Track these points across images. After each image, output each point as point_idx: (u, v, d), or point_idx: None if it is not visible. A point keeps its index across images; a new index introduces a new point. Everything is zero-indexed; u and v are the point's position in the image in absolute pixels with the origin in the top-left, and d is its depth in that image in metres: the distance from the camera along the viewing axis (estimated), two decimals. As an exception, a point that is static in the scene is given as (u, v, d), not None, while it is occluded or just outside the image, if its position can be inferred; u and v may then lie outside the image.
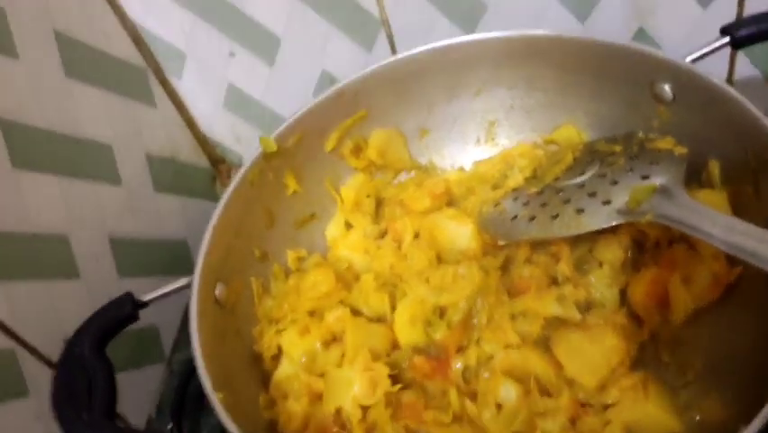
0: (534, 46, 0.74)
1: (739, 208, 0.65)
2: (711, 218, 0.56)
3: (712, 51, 0.67)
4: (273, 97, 0.95)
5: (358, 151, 0.80)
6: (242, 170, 0.71)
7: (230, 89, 0.96)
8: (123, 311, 0.63)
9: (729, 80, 0.84)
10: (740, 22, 0.68)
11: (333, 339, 0.70)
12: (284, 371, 0.68)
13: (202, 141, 1.02)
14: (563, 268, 0.70)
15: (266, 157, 0.73)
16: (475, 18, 0.83)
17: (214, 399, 0.56)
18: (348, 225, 0.80)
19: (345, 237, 0.79)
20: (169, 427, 0.78)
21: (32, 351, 0.67)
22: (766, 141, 0.60)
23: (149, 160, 0.91)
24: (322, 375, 0.67)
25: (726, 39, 0.66)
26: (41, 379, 0.67)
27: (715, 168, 0.67)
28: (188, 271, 0.65)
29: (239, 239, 0.71)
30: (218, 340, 0.64)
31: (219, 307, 0.67)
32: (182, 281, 0.65)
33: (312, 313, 0.71)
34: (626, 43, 0.69)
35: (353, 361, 0.65)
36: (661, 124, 0.70)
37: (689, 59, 0.66)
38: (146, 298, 0.64)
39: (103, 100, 0.84)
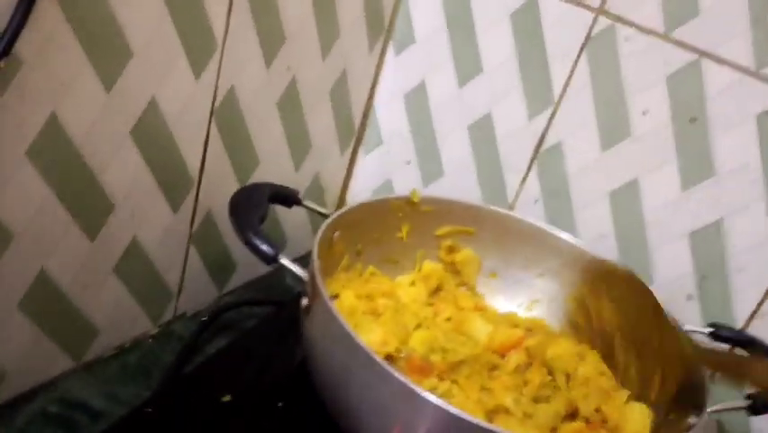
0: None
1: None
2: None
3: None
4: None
5: (451, 250, 1.14)
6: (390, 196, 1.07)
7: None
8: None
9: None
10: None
11: (372, 313, 0.98)
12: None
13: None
14: (530, 390, 0.97)
15: (409, 203, 1.08)
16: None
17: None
18: (413, 283, 1.11)
19: (408, 287, 1.09)
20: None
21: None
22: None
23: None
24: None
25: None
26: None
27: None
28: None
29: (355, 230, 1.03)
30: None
31: (329, 245, 0.97)
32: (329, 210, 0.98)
33: (368, 295, 1.01)
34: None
35: (382, 323, 0.93)
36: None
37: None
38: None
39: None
